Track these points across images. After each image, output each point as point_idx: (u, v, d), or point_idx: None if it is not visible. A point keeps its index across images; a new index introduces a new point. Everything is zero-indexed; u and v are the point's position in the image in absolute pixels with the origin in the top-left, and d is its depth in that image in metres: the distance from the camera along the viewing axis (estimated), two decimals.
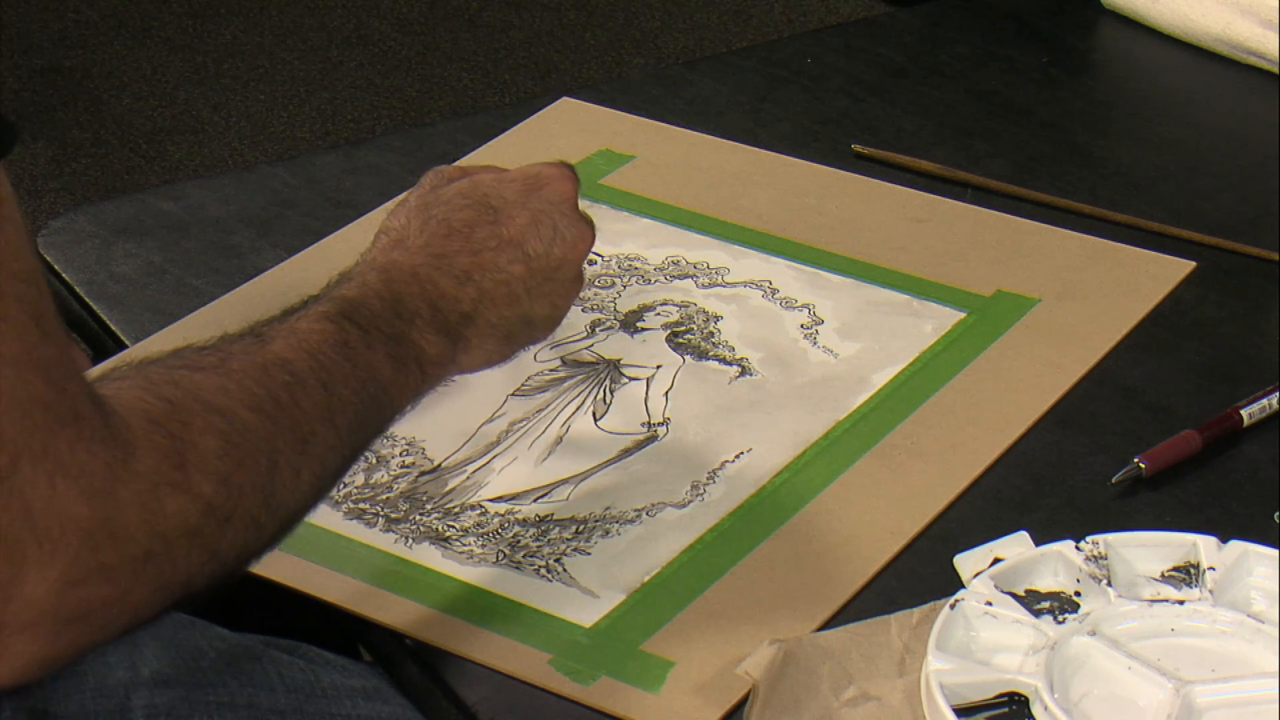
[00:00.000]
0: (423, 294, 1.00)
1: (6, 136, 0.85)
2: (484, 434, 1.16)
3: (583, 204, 1.35)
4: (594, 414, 1.18)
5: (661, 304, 1.27)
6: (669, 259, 1.31)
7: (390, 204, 1.36)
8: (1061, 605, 0.99)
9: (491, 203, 1.05)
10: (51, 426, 0.78)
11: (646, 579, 1.05)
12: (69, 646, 0.81)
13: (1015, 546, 1.03)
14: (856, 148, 1.43)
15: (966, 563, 1.03)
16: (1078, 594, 1.00)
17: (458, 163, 1.40)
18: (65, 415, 0.79)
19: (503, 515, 1.10)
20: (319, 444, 0.91)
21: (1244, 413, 1.14)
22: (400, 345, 0.98)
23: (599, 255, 1.31)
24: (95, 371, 0.87)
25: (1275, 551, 1.01)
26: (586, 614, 1.03)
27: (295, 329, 0.95)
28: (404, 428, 1.16)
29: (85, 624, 0.81)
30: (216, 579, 0.87)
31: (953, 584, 1.02)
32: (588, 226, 1.08)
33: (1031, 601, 0.99)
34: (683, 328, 1.25)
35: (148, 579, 0.82)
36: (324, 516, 1.09)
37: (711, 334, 1.24)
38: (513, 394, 1.19)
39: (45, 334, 0.80)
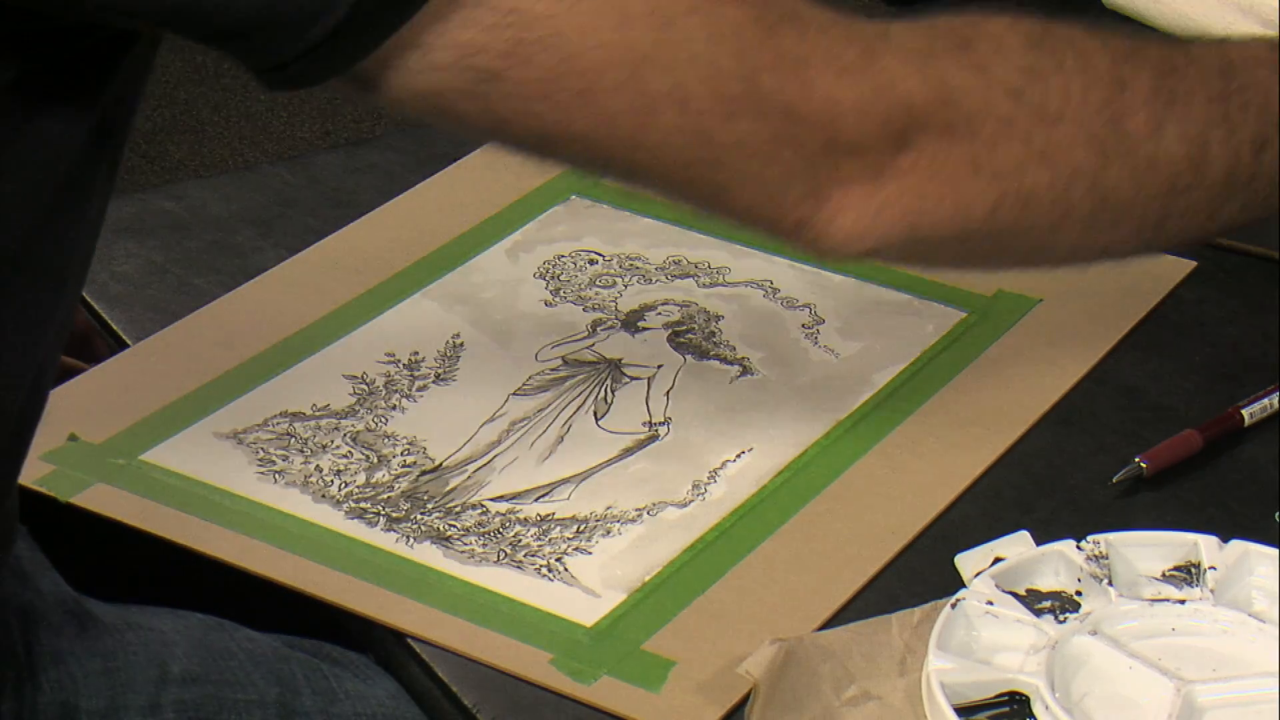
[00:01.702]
0: None
1: None
2: (485, 433, 1.16)
3: (584, 203, 1.36)
4: (595, 413, 1.18)
5: (663, 303, 1.27)
6: (670, 258, 1.31)
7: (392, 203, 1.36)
8: (1062, 605, 0.99)
9: None
10: (768, 34, 0.83)
11: (647, 578, 1.05)
12: (888, 207, 0.87)
13: (1016, 546, 1.03)
14: None
15: (967, 562, 1.03)
16: (1079, 593, 1.00)
17: (470, 155, 1.40)
18: (779, 19, 0.83)
19: (504, 514, 1.10)
20: (1197, 118, 0.93)
21: (1245, 412, 1.14)
22: None
23: (599, 255, 1.31)
24: None
25: (1276, 551, 1.01)
26: (587, 613, 1.03)
27: (1224, 42, 0.98)
28: (405, 427, 1.16)
29: (896, 184, 0.86)
30: (1065, 207, 0.92)
31: (954, 583, 1.02)
32: None
33: (1032, 601, 0.99)
34: (684, 327, 1.25)
35: (956, 153, 0.87)
36: (325, 516, 1.09)
37: (713, 333, 1.24)
38: (514, 393, 1.19)
39: None
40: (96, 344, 1.30)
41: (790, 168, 0.86)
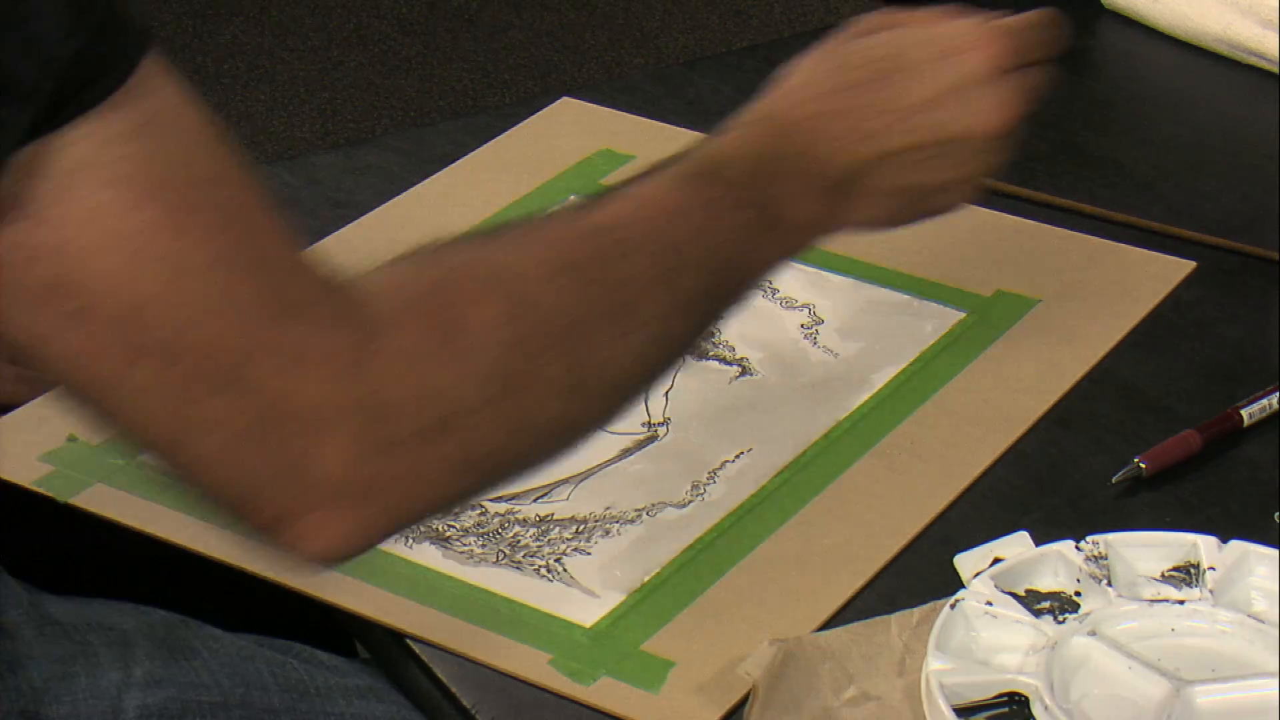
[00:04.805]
0: (802, 151, 0.97)
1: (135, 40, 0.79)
2: None
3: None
4: None
5: None
6: None
7: (391, 202, 1.36)
8: (1062, 605, 0.99)
9: (901, 63, 1.00)
10: (273, 320, 0.79)
11: (647, 579, 1.05)
12: (370, 524, 0.83)
13: (1015, 546, 1.03)
14: None
15: (966, 563, 1.03)
16: (1078, 594, 1.00)
17: (470, 156, 1.40)
18: (286, 307, 0.79)
19: (503, 515, 1.10)
20: (650, 307, 0.89)
21: (1244, 413, 1.14)
22: (766, 209, 0.94)
23: None
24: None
25: (1275, 551, 1.01)
26: (587, 614, 1.03)
27: (638, 193, 0.93)
28: None
29: (379, 500, 0.82)
30: (539, 451, 0.88)
31: (953, 584, 1.02)
32: (1009, 96, 1.01)
33: (1031, 601, 0.99)
34: None
35: (436, 454, 0.83)
36: None
37: (711, 333, 1.24)
38: None
39: (246, 232, 0.80)
40: None
41: (271, 462, 0.81)
